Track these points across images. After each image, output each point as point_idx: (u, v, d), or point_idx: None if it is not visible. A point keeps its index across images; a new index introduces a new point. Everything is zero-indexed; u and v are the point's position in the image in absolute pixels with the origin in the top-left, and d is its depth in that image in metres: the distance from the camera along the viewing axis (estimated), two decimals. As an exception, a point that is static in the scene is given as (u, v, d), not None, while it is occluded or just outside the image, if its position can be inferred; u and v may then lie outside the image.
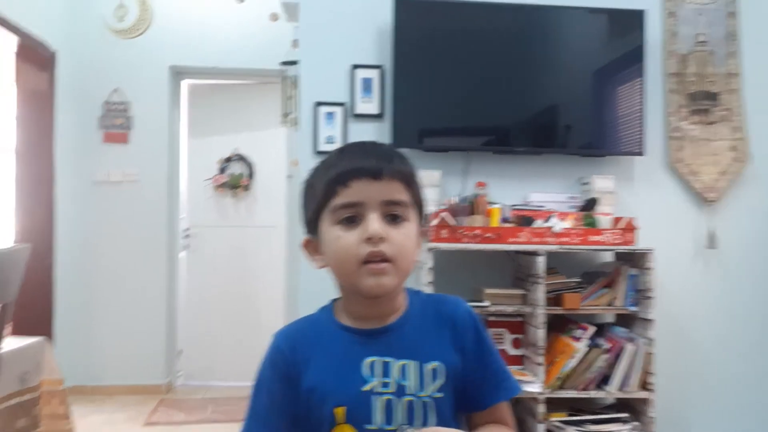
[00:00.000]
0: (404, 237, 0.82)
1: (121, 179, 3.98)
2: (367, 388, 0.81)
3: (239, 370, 4.12)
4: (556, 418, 2.27)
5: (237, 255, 4.27)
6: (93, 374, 3.86)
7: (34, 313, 3.50)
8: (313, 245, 0.88)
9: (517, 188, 2.53)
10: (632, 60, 2.56)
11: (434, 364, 0.83)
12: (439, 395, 0.82)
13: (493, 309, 2.25)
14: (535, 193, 2.52)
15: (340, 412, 0.80)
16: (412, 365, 0.83)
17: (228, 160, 4.27)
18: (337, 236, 0.81)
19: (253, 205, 4.27)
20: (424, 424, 0.81)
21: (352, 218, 0.81)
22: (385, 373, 0.82)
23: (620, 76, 2.61)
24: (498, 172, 2.54)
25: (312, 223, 0.87)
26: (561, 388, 2.25)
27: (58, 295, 3.81)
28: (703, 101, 2.65)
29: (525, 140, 2.60)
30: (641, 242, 2.34)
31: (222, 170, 4.26)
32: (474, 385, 0.86)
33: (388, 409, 0.80)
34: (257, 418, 0.86)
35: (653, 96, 2.60)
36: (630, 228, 2.34)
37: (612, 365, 2.27)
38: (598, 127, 2.62)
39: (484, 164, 2.53)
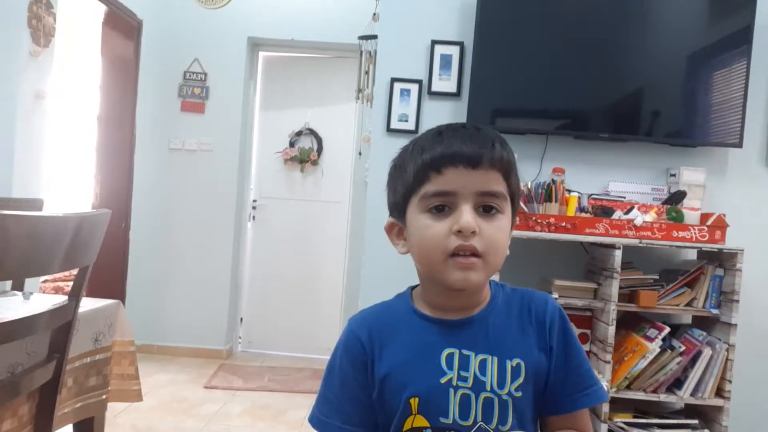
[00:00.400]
0: (497, 231, 0.77)
1: (196, 148, 4.07)
2: (444, 380, 0.77)
3: (297, 342, 4.21)
4: (621, 419, 2.17)
5: (301, 229, 4.31)
6: (160, 335, 4.02)
7: (109, 274, 3.68)
8: (397, 229, 0.84)
9: (596, 176, 2.40)
10: (736, 42, 2.35)
11: (516, 361, 0.79)
12: (518, 394, 0.77)
13: (561, 302, 2.16)
14: (615, 183, 2.38)
15: (414, 402, 0.77)
16: (492, 360, 0.78)
17: (298, 134, 4.29)
18: (425, 225, 0.77)
19: (320, 180, 4.28)
20: (502, 422, 0.77)
21: (442, 207, 0.77)
22: (464, 366, 0.78)
23: (720, 60, 2.40)
24: (577, 158, 2.41)
25: (398, 207, 0.82)
26: (628, 388, 2.14)
27: (132, 257, 3.99)
28: (813, 91, 2.41)
29: (607, 125, 2.44)
30: (729, 241, 2.17)
31: (292, 144, 4.29)
32: (556, 388, 0.80)
33: (465, 403, 0.77)
34: (328, 403, 0.83)
35: (757, 83, 2.38)
36: (720, 225, 2.17)
37: (685, 369, 2.15)
38: (690, 115, 2.44)
39: (562, 149, 2.41)
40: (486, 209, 0.77)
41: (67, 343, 1.27)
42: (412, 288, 0.87)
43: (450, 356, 0.78)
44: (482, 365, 0.78)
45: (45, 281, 3.54)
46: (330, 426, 0.81)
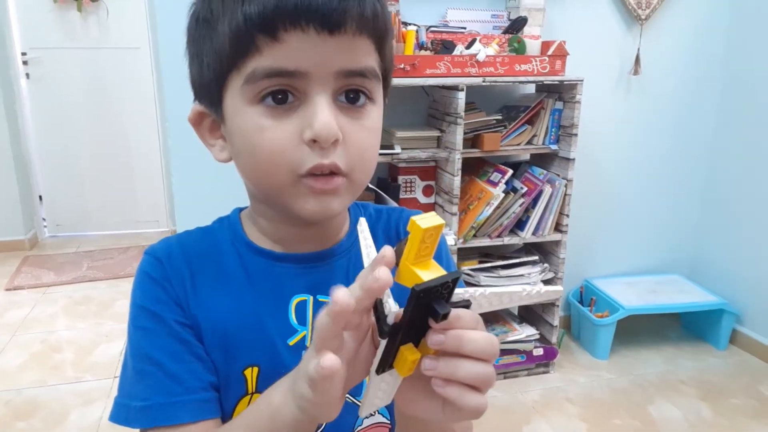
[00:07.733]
0: (367, 134, 0.52)
1: None
2: (294, 341, 0.56)
3: (116, 218, 3.70)
4: (467, 266, 2.14)
5: (93, 85, 3.56)
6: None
7: None
8: (209, 122, 0.55)
9: (432, 3, 2.07)
10: None
11: None
12: None
13: (405, 155, 1.94)
14: (454, 11, 2.08)
15: (252, 374, 0.55)
16: None
17: (64, -41, 3.33)
18: (257, 126, 0.49)
19: (105, 21, 3.45)
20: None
21: (283, 95, 0.48)
22: None
23: None
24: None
25: (208, 89, 0.52)
26: (474, 236, 2.08)
27: None
28: None
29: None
30: (568, 71, 2.05)
31: (58, -27, 3.34)
32: None
33: None
34: (147, 377, 0.52)
35: None
36: (561, 54, 2.01)
37: (527, 209, 2.12)
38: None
39: (393, -28, 2.01)
40: (351, 98, 0.50)
41: None
42: (240, 211, 0.62)
43: (302, 305, 0.57)
44: None
45: None
46: (166, 409, 0.51)
